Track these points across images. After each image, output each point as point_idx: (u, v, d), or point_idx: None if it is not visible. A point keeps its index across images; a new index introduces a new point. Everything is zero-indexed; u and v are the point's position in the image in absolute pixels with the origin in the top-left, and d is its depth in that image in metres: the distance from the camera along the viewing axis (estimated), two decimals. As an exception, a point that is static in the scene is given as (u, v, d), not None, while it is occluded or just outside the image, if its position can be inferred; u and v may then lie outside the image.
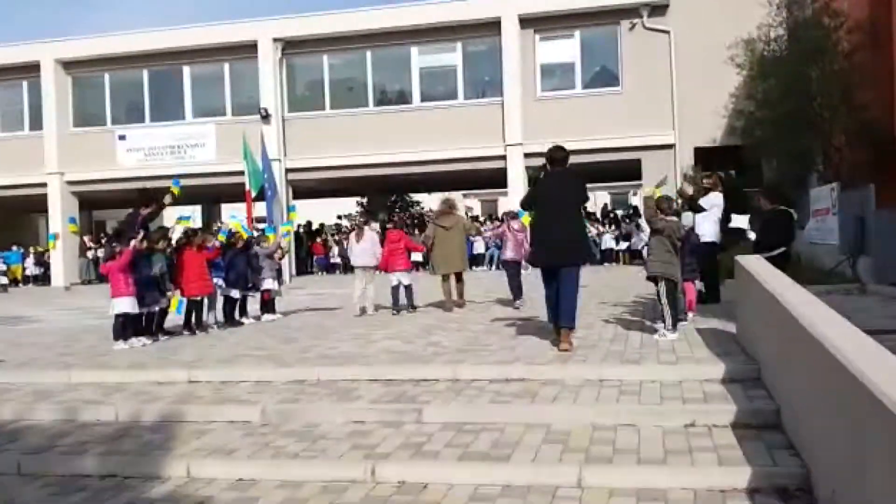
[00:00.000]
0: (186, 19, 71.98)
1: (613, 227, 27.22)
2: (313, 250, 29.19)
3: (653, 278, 8.42)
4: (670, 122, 23.19)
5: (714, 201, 11.41)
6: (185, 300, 10.60)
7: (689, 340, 7.98)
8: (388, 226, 15.31)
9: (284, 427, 5.79)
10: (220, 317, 11.68)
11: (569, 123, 23.50)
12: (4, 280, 27.51)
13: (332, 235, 29.54)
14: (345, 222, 33.99)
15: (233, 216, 17.38)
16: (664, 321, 8.37)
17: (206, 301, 11.15)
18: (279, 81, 25.90)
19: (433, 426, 5.59)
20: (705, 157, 22.23)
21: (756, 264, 7.30)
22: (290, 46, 25.96)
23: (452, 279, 12.67)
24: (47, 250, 27.93)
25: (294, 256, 26.72)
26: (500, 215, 25.15)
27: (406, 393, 6.34)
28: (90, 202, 29.64)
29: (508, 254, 12.85)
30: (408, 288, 12.44)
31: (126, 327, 9.62)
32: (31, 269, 28.69)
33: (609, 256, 26.73)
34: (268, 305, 12.55)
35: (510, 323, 10.23)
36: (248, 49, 25.85)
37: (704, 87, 22.11)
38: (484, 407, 5.86)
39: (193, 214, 39.61)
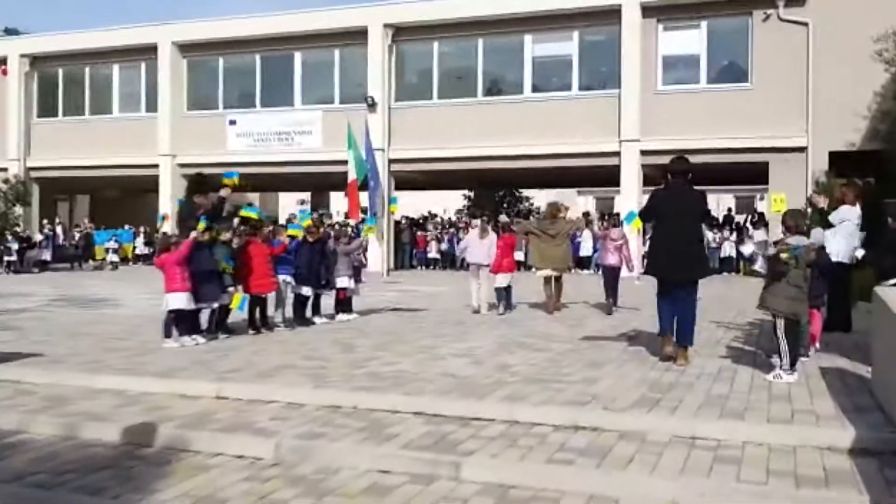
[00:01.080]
0: (301, 4, 72.69)
1: (735, 234, 25.17)
2: (416, 243, 28.40)
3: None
4: (803, 123, 21.09)
5: (845, 215, 9.78)
6: (247, 297, 9.87)
7: (810, 386, 6.57)
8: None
9: (297, 469, 4.83)
10: (290, 313, 10.93)
11: (690, 120, 21.81)
12: (115, 258, 28.05)
13: (435, 230, 28.62)
14: (452, 217, 33.06)
15: (301, 211, 16.58)
16: (780, 359, 6.98)
17: (272, 297, 10.40)
18: (387, 69, 25.20)
19: (471, 487, 4.50)
20: (841, 163, 20.06)
21: (903, 300, 5.84)
22: (401, 33, 25.22)
23: (553, 282, 12.79)
24: (157, 231, 28.28)
25: (393, 249, 26.02)
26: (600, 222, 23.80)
27: (449, 436, 5.26)
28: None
29: (609, 259, 12.95)
30: (508, 290, 12.70)
31: (179, 323, 8.95)
32: (141, 248, 29.17)
33: (729, 265, 24.77)
34: (343, 304, 11.72)
35: (599, 342, 9.00)
36: (358, 35, 25.29)
37: (844, 86, 19.97)
38: (539, 466, 4.71)
39: (307, 201, 39.88)
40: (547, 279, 12.73)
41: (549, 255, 12.50)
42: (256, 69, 27.18)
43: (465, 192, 37.90)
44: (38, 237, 27.28)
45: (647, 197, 8.83)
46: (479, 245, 12.87)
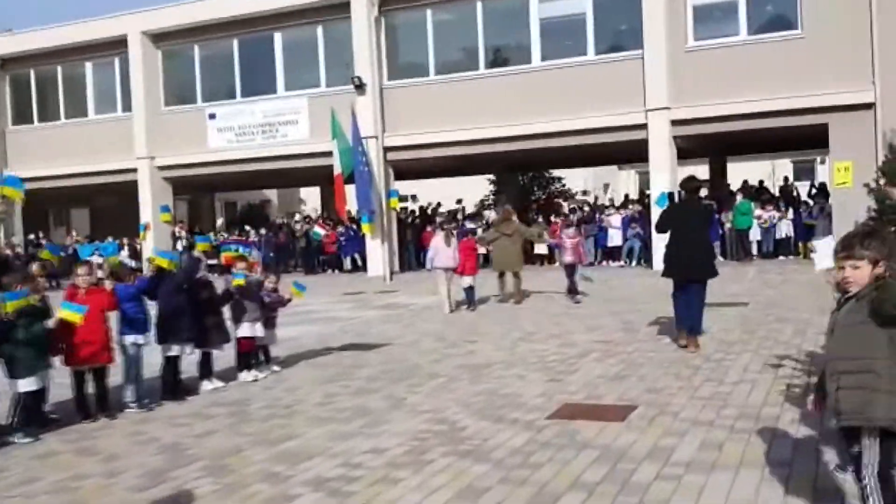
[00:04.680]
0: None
1: (791, 211, 21.42)
2: (423, 241, 25.17)
3: (850, 430, 3.70)
4: (869, 74, 17.28)
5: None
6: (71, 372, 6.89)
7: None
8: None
9: None
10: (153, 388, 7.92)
11: (730, 80, 18.23)
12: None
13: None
14: (468, 206, 29.67)
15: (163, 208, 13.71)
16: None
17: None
18: (375, 44, 21.99)
19: None
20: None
21: None
22: (388, 2, 21.98)
23: (509, 276, 14.66)
24: (141, 240, 25.73)
25: (397, 248, 22.94)
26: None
27: None
28: (183, 188, 27.24)
29: (566, 258, 14.32)
30: (472, 289, 14.04)
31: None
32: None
33: (786, 247, 21.05)
34: (248, 358, 8.67)
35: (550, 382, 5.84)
36: (341, 8, 22.11)
37: (921, 23, 16.16)
38: None
39: (307, 198, 37.00)
40: (501, 275, 14.73)
41: (506, 254, 14.47)
42: (234, 55, 24.25)
43: (490, 176, 34.53)
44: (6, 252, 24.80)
45: (682, 173, 11.05)
46: (445, 251, 13.62)
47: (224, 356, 8.60)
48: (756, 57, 18.24)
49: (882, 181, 16.09)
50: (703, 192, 22.97)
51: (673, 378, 7.62)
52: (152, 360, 7.88)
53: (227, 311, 8.55)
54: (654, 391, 7.11)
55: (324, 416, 6.78)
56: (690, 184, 9.52)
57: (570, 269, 14.29)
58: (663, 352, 9.01)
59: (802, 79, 17.52)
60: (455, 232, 14.69)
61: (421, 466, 5.26)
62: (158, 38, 25.03)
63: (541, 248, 19.24)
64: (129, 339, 7.40)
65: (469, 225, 23.33)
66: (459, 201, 27.77)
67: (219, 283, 8.60)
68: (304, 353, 10.04)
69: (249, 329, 8.50)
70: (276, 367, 8.97)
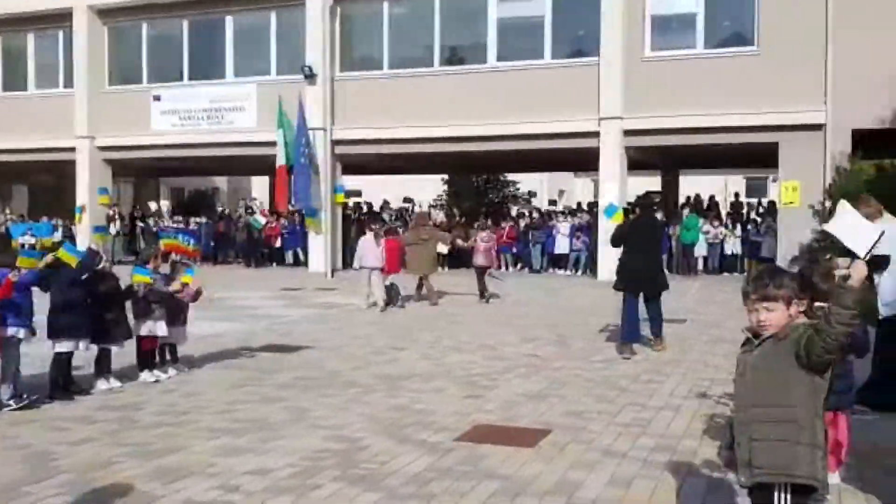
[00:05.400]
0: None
1: (740, 229, 21.36)
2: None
3: (762, 486, 3.32)
4: (821, 95, 17.22)
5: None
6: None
7: None
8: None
9: None
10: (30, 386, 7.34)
11: (684, 93, 18.05)
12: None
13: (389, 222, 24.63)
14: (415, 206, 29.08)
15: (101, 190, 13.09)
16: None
17: None
18: (328, 34, 21.39)
19: None
20: (868, 143, 16.24)
21: None
22: (345, -8, 21.44)
23: (423, 280, 14.95)
24: (76, 223, 24.78)
25: (341, 245, 22.38)
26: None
27: None
28: (125, 170, 26.36)
29: (479, 260, 15.35)
30: (395, 286, 14.36)
31: None
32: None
33: (733, 264, 20.97)
34: (149, 357, 8.10)
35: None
36: (298, -6, 21.51)
37: (875, 48, 16.12)
38: None
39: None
40: (419, 278, 14.95)
41: (419, 257, 14.71)
42: (184, 36, 23.47)
43: (444, 176, 34.12)
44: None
45: (633, 185, 12.35)
46: (374, 250, 13.92)
47: (129, 353, 8.05)
48: (711, 71, 18.08)
49: (828, 203, 16.08)
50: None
51: (595, 400, 7.27)
52: (42, 354, 7.31)
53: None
54: (572, 414, 6.75)
55: (217, 426, 6.28)
56: (647, 200, 10.18)
57: (481, 272, 15.01)
58: (591, 370, 8.68)
59: (755, 96, 17.39)
60: (382, 231, 14.98)
61: (304, 492, 4.80)
62: (105, 13, 24.13)
63: (441, 248, 19.12)
64: (11, 331, 6.80)
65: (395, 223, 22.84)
66: (408, 200, 27.25)
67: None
68: (219, 352, 9.50)
69: (151, 326, 7.94)
70: (183, 368, 8.42)
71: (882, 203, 13.88)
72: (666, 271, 11.35)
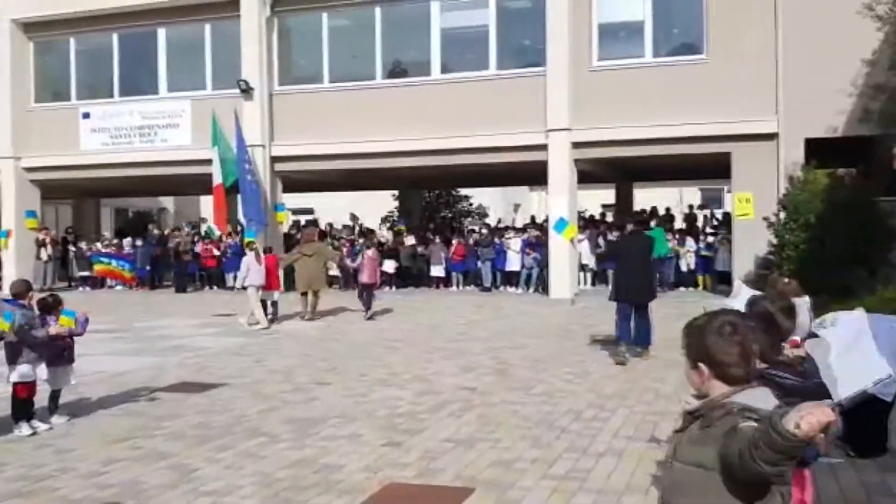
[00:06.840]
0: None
1: (692, 243, 20.70)
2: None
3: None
4: (773, 104, 16.68)
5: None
6: None
7: None
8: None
9: None
10: None
11: (633, 103, 17.40)
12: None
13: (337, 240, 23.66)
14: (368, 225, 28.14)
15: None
16: None
17: None
18: (265, 46, 20.45)
19: None
20: (821, 152, 15.72)
21: None
22: (281, 2, 20.49)
23: (310, 295, 15.29)
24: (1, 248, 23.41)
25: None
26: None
27: None
28: (54, 191, 25.06)
29: (364, 277, 15.34)
30: (276, 304, 15.18)
31: None
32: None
33: (689, 280, 20.26)
34: (29, 407, 7.07)
35: None
36: (231, 6, 20.50)
37: (825, 55, 15.64)
38: None
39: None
40: (304, 294, 15.30)
41: (308, 273, 15.24)
42: (114, 51, 22.33)
43: (394, 192, 33.20)
44: None
45: (585, 198, 14.60)
46: (256, 268, 14.37)
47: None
48: (660, 80, 17.46)
49: (782, 215, 15.50)
50: (609, 219, 22.61)
51: (530, 444, 6.42)
52: None
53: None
54: (502, 464, 5.89)
55: (77, 496, 5.31)
56: (637, 217, 11.66)
57: (365, 288, 15.33)
58: (531, 404, 7.85)
59: (706, 105, 16.80)
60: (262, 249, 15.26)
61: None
62: (30, 27, 22.91)
63: (333, 270, 19.50)
64: None
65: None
66: (353, 217, 26.27)
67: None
68: (115, 396, 8.48)
69: (26, 371, 6.92)
70: (64, 417, 7.40)
71: (835, 213, 13.23)
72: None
